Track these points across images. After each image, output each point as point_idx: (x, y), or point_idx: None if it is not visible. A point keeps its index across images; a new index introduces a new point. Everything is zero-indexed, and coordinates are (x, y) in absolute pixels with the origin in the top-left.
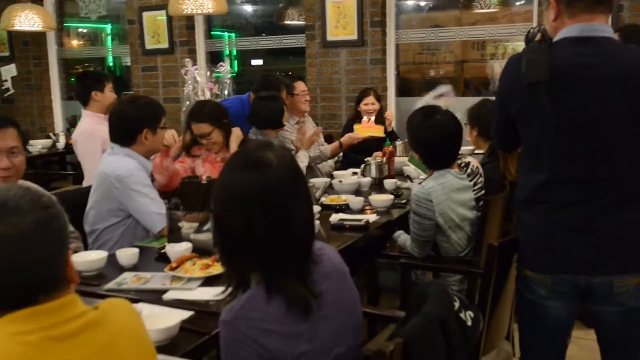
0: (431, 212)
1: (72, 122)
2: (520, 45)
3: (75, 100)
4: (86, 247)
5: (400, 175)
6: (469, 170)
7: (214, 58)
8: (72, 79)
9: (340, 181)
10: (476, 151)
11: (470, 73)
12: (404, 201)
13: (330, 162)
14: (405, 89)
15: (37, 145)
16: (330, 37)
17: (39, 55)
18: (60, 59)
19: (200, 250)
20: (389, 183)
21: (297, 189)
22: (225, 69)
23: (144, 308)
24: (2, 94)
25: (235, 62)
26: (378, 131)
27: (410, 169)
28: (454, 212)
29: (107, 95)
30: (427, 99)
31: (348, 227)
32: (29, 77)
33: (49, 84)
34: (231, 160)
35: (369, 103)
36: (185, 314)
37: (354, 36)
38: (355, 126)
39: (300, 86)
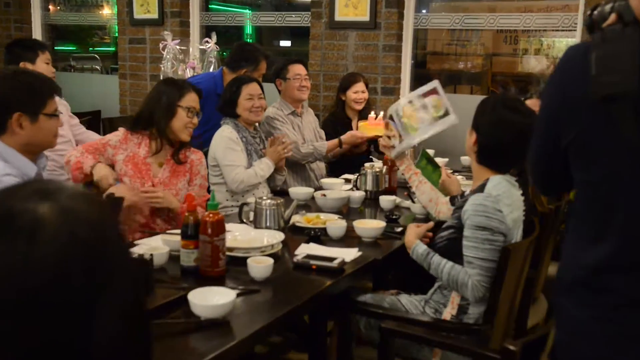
0: (503, 225)
1: None
2: (559, 42)
3: (61, 72)
4: None
5: (404, 187)
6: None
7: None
8: (55, 47)
9: (324, 195)
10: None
11: (500, 68)
12: (400, 229)
13: (322, 164)
14: (424, 81)
15: None
16: (338, 17)
17: (21, 19)
18: (46, 25)
19: None
20: (385, 200)
21: (101, 281)
22: (212, 46)
23: None
24: None
25: (250, 41)
26: None
27: None
28: (515, 234)
29: (40, 67)
30: (411, 97)
31: (315, 267)
32: (9, 42)
33: None
34: None
35: (359, 91)
36: None
37: (365, 17)
38: (361, 123)
39: (295, 69)
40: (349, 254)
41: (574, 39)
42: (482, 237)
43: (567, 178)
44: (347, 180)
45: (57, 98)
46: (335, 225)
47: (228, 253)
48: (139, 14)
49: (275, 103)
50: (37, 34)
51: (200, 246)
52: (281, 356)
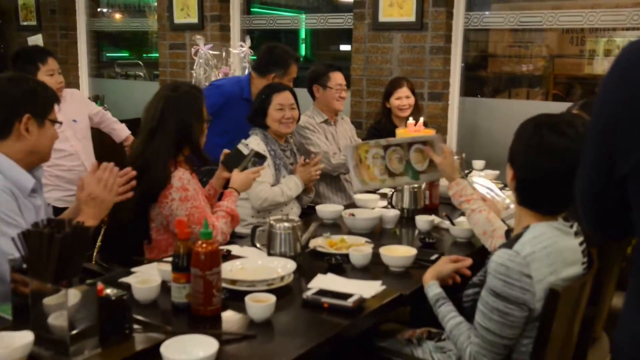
0: (529, 294)
1: (95, 102)
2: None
3: (106, 78)
4: None
5: (447, 204)
6: (574, 227)
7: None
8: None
9: (352, 214)
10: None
11: (563, 70)
12: (434, 257)
13: None
14: (474, 86)
15: None
16: (382, 18)
17: (66, 26)
18: (90, 31)
19: (51, 345)
20: (422, 221)
21: None
22: (246, 50)
23: None
24: None
25: (303, 45)
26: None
27: None
28: None
29: (42, 80)
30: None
31: (327, 306)
32: (55, 49)
33: (76, 58)
34: None
35: (403, 97)
36: None
37: (411, 17)
38: (398, 131)
39: (337, 78)
40: (370, 288)
41: None
42: (493, 305)
43: (624, 217)
44: (384, 195)
45: (91, 106)
46: (359, 252)
47: (230, 286)
48: (179, 18)
49: (307, 111)
50: (82, 40)
51: (192, 281)
52: None
